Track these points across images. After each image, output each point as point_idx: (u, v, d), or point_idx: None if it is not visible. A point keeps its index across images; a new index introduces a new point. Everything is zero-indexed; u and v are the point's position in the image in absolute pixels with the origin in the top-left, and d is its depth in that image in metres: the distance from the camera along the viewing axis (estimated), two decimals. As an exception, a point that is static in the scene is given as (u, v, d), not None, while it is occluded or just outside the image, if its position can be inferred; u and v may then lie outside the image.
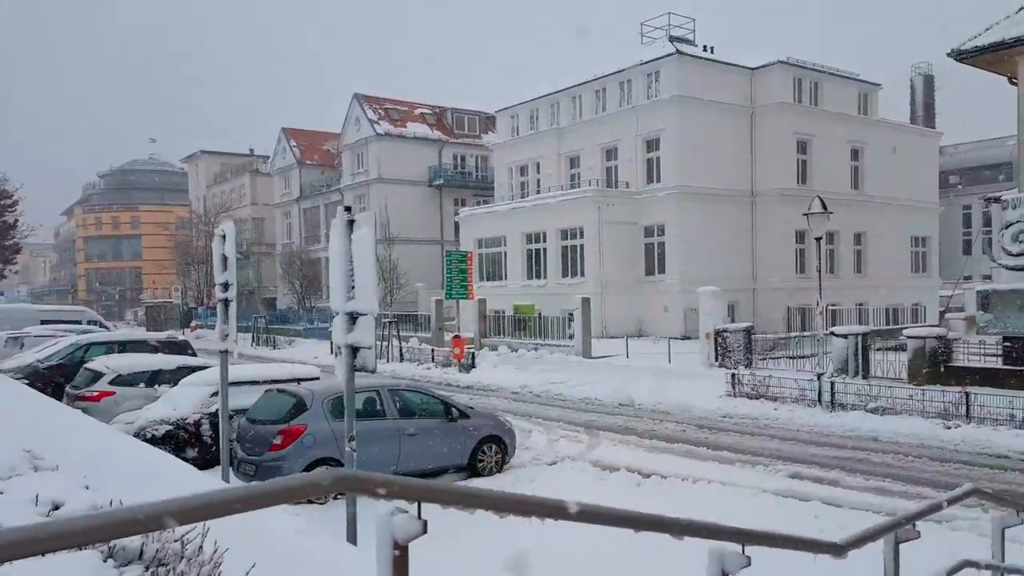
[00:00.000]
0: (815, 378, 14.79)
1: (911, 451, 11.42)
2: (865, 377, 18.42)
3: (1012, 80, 21.08)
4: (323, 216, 53.15)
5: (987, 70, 22.06)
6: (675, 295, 31.27)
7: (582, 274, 32.42)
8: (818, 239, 14.39)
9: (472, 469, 9.95)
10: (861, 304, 34.95)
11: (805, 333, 23.78)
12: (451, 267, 24.29)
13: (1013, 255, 16.45)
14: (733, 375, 16.35)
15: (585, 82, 36.00)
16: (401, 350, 26.79)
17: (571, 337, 25.82)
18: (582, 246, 32.55)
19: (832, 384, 14.61)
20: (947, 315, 25.37)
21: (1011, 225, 16.47)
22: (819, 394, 14.58)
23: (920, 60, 55.79)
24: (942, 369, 16.90)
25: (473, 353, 23.84)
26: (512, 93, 40.86)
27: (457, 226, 40.43)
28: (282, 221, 58.98)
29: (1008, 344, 16.55)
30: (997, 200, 19.55)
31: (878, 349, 19.20)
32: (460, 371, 23.24)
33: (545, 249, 34.39)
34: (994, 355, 17.01)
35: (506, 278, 36.55)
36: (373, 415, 9.26)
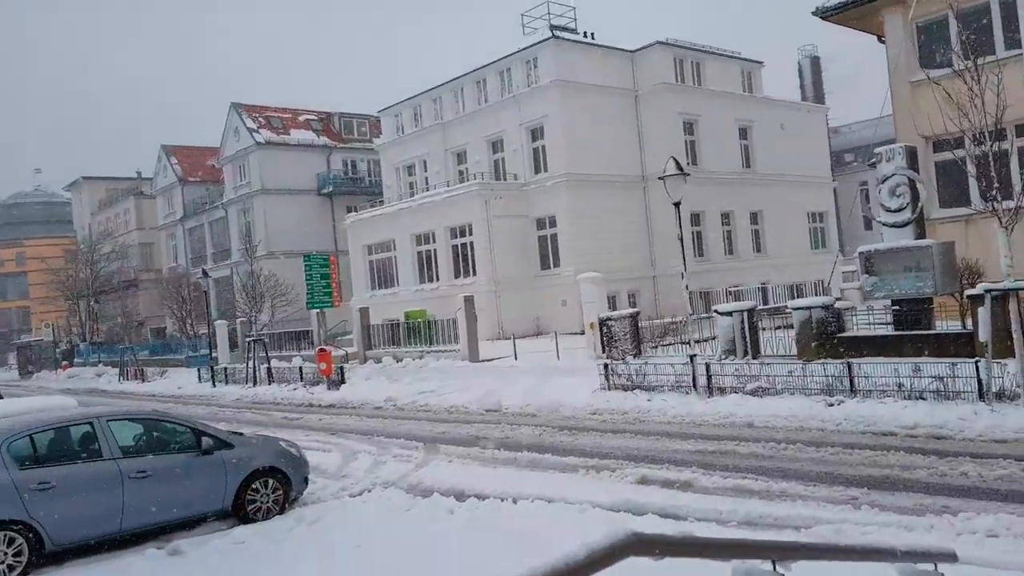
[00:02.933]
0: (688, 361, 13.18)
1: (788, 435, 9.84)
2: (755, 356, 17.02)
3: (881, 39, 20.18)
4: (208, 235, 49.89)
5: (855, 28, 21.12)
6: (572, 288, 29.57)
7: (474, 273, 30.53)
8: (676, 204, 12.76)
9: (240, 514, 7.81)
10: (764, 283, 34.15)
11: (698, 316, 22.42)
12: (312, 273, 22.03)
13: (892, 211, 15.24)
14: (606, 366, 14.66)
15: (465, 74, 34.26)
16: (269, 371, 24.31)
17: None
18: (472, 243, 30.69)
19: (708, 367, 13.02)
20: (842, 285, 24.49)
21: (887, 179, 15.25)
22: (693, 379, 12.97)
23: (806, 42, 56.28)
24: (833, 341, 15.61)
25: (342, 368, 21.60)
26: (401, 92, 38.79)
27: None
28: (167, 244, 55.29)
29: (897, 308, 15.33)
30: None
31: (778, 327, 17.89)
32: (329, 388, 20.98)
33: (435, 250, 32.43)
34: (884, 322, 15.81)
35: (398, 284, 34.43)
36: (85, 455, 7.04)
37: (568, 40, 31.07)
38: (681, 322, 20.07)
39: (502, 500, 7.76)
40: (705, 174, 32.95)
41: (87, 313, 52.90)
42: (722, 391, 12.73)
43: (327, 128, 47.73)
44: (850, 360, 11.59)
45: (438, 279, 32.09)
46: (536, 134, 31.42)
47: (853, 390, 11.16)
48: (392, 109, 38.43)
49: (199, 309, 44.24)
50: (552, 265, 31.03)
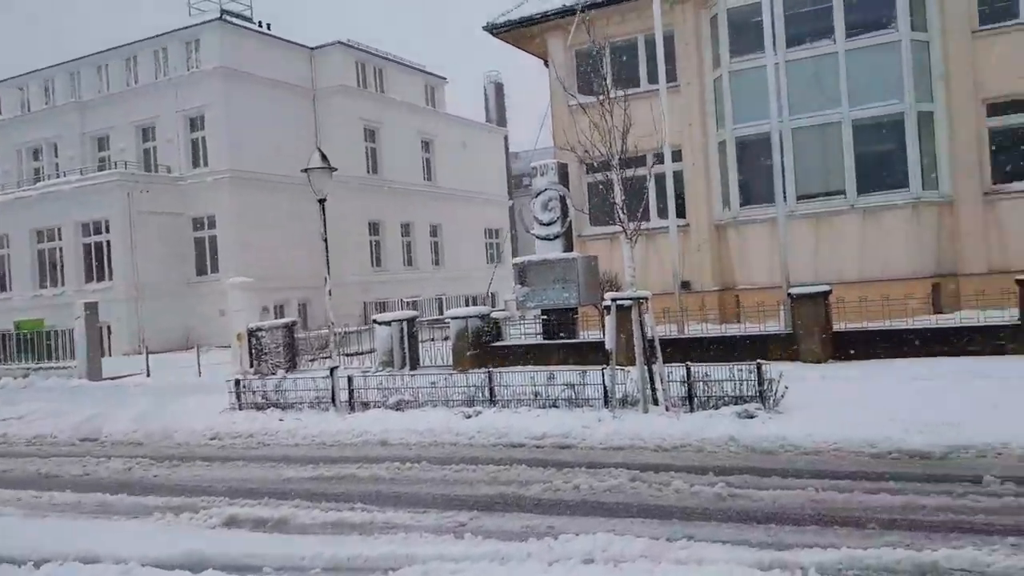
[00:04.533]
0: (328, 374, 11.91)
1: (419, 453, 8.97)
2: (414, 368, 16.36)
3: (547, 63, 20.92)
4: None
5: (523, 49, 21.76)
6: (244, 299, 26.98)
7: (110, 277, 26.46)
8: (321, 201, 11.45)
9: None
10: (441, 295, 34.32)
11: (364, 327, 21.38)
12: None
13: (544, 224, 15.55)
14: (237, 382, 12.82)
15: (112, 48, 29.89)
16: None
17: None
18: (109, 243, 26.59)
19: (350, 380, 11.87)
20: (508, 297, 25.11)
21: (540, 193, 15.56)
22: (333, 394, 11.72)
23: (491, 68, 58.85)
24: (488, 351, 15.42)
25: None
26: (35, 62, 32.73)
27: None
28: None
29: (546, 317, 15.59)
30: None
31: (446, 338, 17.34)
32: None
33: (61, 248, 27.59)
34: (535, 333, 16.00)
35: (10, 288, 28.79)
36: None
37: (237, 25, 28.56)
38: (340, 333, 18.79)
39: (20, 566, 5.74)
40: (386, 183, 32.34)
41: None
42: (366, 406, 11.64)
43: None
44: (492, 370, 11.16)
45: (63, 283, 27.37)
46: (196, 124, 28.34)
47: (493, 400, 10.70)
48: (15, 81, 32.50)
49: None
50: (211, 271, 28.07)
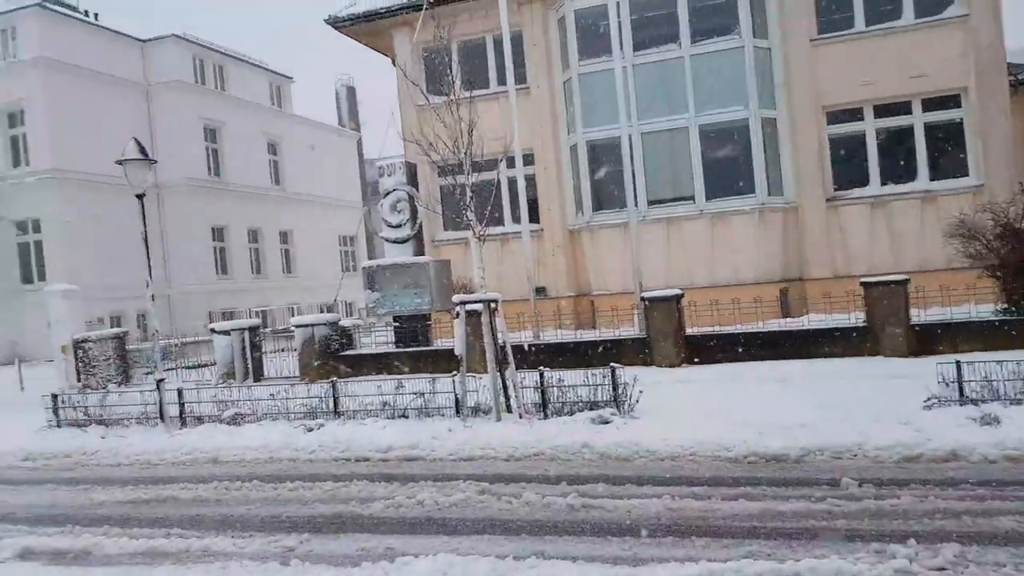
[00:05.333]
0: (155, 388, 10.91)
1: (251, 471, 8.28)
2: (257, 379, 15.43)
3: (394, 61, 20.37)
4: None
5: (370, 46, 21.11)
6: (67, 307, 24.61)
7: (-88, 287, 23.50)
8: (140, 196, 10.48)
9: None
10: (293, 304, 32.95)
11: (206, 338, 20.01)
12: None
13: (393, 226, 15.07)
14: (55, 397, 11.54)
15: (-88, 31, 26.61)
16: None
17: None
18: (-88, 249, 23.61)
19: (180, 394, 10.92)
20: (361, 305, 24.34)
21: (388, 194, 15.07)
22: (161, 409, 10.74)
23: (342, 72, 57.33)
24: (337, 360, 14.76)
25: None
26: None
27: None
28: None
29: (398, 324, 15.11)
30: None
31: (295, 349, 16.40)
32: None
33: None
34: (387, 341, 15.48)
35: None
36: None
37: (59, 13, 26.15)
38: (178, 344, 17.49)
39: None
40: (231, 187, 30.64)
41: None
42: (199, 420, 10.74)
43: None
44: (337, 380, 10.58)
45: None
46: (15, 119, 25.73)
47: (337, 412, 10.13)
48: None
49: None
50: (37, 279, 25.51)
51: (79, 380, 16.35)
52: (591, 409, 9.04)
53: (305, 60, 69.52)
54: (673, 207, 16.76)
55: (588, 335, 14.33)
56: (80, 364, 16.47)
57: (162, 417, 10.68)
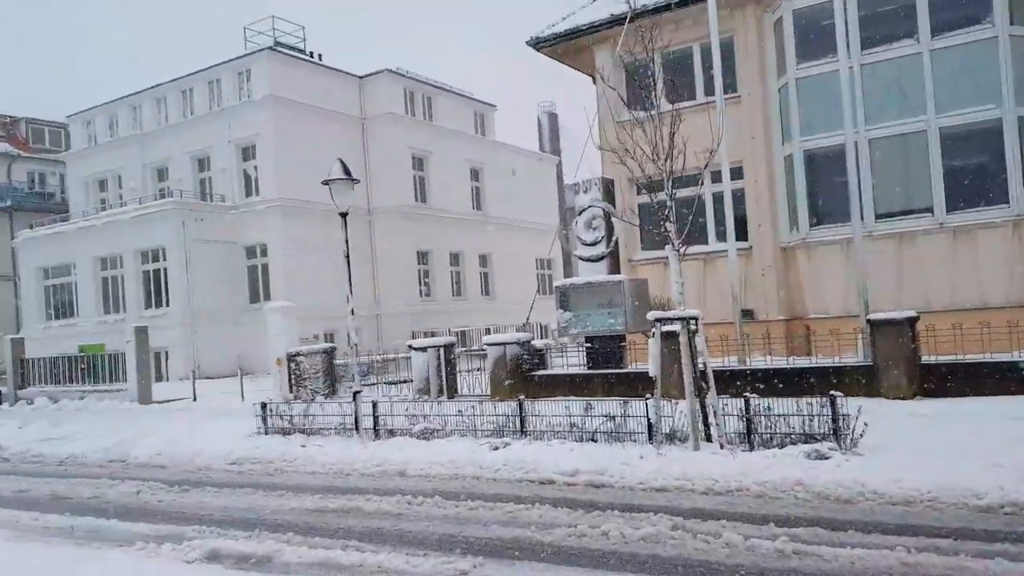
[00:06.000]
0: (351, 400, 11.13)
1: (437, 486, 8.03)
2: (451, 396, 15.50)
3: (595, 79, 20.12)
4: None
5: (570, 65, 20.99)
6: (283, 324, 26.72)
7: (167, 304, 26.49)
8: (343, 215, 10.78)
9: None
10: (491, 327, 33.52)
11: (406, 355, 20.65)
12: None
13: (588, 244, 14.55)
14: (264, 406, 12.17)
15: (170, 81, 30.41)
16: None
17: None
18: (166, 270, 26.68)
19: (375, 406, 11.05)
20: (555, 326, 24.09)
21: (583, 211, 14.59)
22: (356, 421, 10.92)
23: (545, 99, 58.36)
24: (527, 379, 14.46)
25: (-52, 411, 16.92)
26: (101, 97, 33.63)
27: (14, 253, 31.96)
28: None
29: (590, 345, 14.55)
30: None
31: (482, 369, 16.47)
32: (-72, 438, 16.19)
33: (123, 276, 27.84)
34: (579, 364, 14.95)
35: (77, 314, 29.18)
36: None
37: (287, 54, 28.71)
38: (379, 360, 18.08)
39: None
40: (435, 212, 31.87)
41: None
42: (392, 433, 10.81)
43: (11, 135, 40.69)
44: (523, 399, 10.18)
45: (125, 310, 27.54)
46: (248, 153, 28.41)
47: (524, 431, 9.72)
48: (84, 115, 33.35)
49: None
50: (263, 298, 27.89)
51: (291, 391, 17.36)
52: (805, 442, 7.94)
53: (501, 86, 71.84)
54: (905, 220, 14.89)
55: (801, 362, 12.90)
56: (292, 376, 17.50)
57: (357, 428, 10.84)
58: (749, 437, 8.32)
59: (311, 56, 30.49)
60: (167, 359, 26.85)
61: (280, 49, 28.69)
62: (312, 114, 28.29)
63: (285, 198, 27.23)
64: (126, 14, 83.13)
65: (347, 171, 11.04)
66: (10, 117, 41.45)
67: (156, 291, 27.26)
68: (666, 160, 9.40)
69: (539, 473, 8.17)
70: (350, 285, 11.65)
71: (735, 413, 8.56)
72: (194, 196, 28.87)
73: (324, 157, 28.12)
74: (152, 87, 30.87)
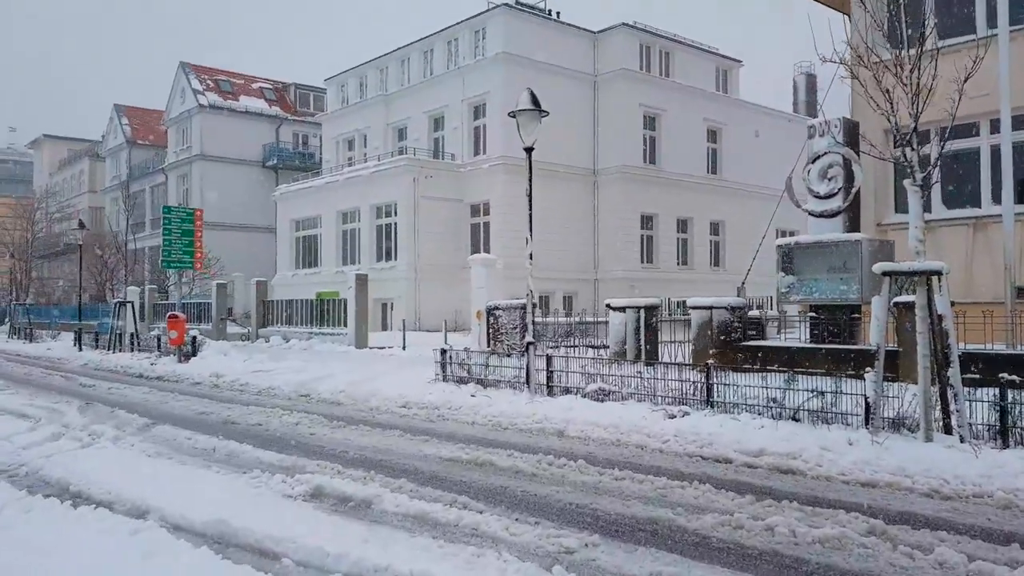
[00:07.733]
0: (523, 352, 10.34)
1: (590, 450, 6.99)
2: (649, 362, 14.22)
3: (849, 16, 17.45)
4: (148, 200, 47.02)
5: (826, 4, 18.43)
6: (499, 283, 26.83)
7: (395, 257, 27.68)
8: (528, 150, 9.96)
9: None
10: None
11: (603, 320, 19.59)
12: (170, 228, 19.07)
13: (821, 196, 12.39)
14: (443, 352, 11.83)
15: (412, 43, 31.45)
16: (134, 337, 21.40)
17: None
18: (396, 225, 27.82)
19: (548, 361, 10.18)
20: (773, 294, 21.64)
21: (818, 158, 12.40)
22: (527, 375, 10.11)
23: (803, 59, 53.59)
24: (736, 349, 12.78)
25: (195, 337, 18.71)
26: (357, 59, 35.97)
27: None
28: (112, 208, 52.25)
29: (815, 315, 12.49)
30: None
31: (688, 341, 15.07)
32: (179, 360, 18.12)
33: (359, 229, 29.54)
34: (797, 337, 12.96)
35: (321, 263, 31.55)
36: None
37: (521, 10, 28.32)
38: (580, 322, 17.18)
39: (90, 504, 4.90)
40: (664, 174, 30.21)
41: (22, 274, 50.08)
42: (566, 391, 9.91)
43: (281, 98, 44.90)
44: (711, 364, 8.74)
45: (359, 261, 29.20)
46: (478, 112, 28.61)
47: (709, 402, 8.31)
48: (338, 78, 35.69)
49: (116, 275, 41.37)
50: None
51: (488, 345, 17.05)
52: (1089, 448, 5.82)
53: (747, 45, 66.90)
54: None
55: (1096, 351, 10.01)
56: (491, 330, 17.16)
57: (528, 382, 10.05)
58: (1004, 434, 6.31)
59: (548, 13, 29.93)
60: (392, 310, 28.06)
61: (516, 5, 28.45)
62: (543, 71, 27.77)
63: (509, 156, 27.09)
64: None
65: (536, 102, 10.14)
66: (282, 83, 45.83)
67: (386, 245, 28.54)
68: (924, 105, 7.46)
69: (714, 449, 6.80)
70: (531, 229, 10.84)
71: (986, 400, 6.56)
72: (428, 155, 29.74)
73: (552, 115, 27.72)
74: (396, 49, 32.19)
